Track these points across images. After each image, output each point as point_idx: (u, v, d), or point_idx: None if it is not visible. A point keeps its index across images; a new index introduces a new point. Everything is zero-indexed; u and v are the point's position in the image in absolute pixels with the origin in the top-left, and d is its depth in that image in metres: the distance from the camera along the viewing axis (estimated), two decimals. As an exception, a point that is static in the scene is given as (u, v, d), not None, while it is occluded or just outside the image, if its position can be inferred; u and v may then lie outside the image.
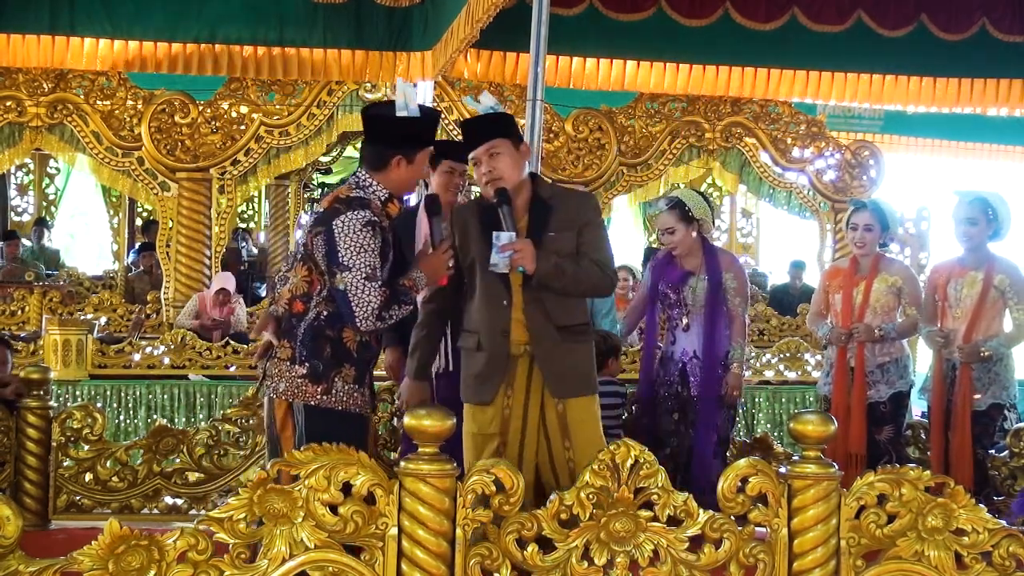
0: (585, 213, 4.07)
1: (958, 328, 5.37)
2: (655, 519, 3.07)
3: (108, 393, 7.63)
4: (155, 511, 5.38)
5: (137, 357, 7.84)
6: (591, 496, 3.04)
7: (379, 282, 3.66)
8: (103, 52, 8.60)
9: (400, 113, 3.77)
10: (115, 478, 5.37)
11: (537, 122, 6.06)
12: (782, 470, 3.15)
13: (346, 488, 2.98)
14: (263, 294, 11.41)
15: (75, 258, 15.85)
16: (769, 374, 8.38)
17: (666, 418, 5.41)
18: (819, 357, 8.08)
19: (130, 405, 7.65)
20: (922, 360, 6.54)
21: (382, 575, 2.98)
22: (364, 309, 3.64)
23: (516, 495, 3.01)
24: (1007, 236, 5.47)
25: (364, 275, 3.63)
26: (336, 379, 3.72)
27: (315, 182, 14.12)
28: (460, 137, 4.33)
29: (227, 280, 9.18)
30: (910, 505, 3.13)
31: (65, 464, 5.33)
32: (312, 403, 3.71)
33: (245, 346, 7.91)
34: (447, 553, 2.98)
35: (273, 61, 8.67)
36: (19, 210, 13.76)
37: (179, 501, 5.42)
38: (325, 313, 3.72)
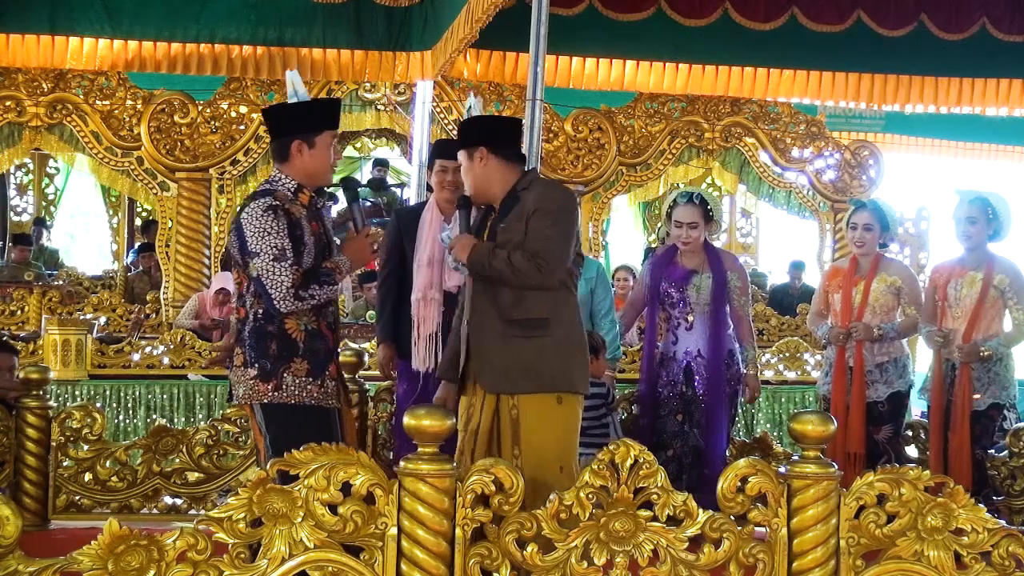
0: (538, 202, 3.98)
1: (958, 328, 5.37)
2: (655, 519, 3.07)
3: (107, 393, 7.62)
4: (155, 511, 5.39)
5: (136, 357, 7.83)
6: (591, 496, 3.05)
7: (289, 261, 3.68)
8: (103, 52, 8.59)
9: (291, 100, 3.87)
10: (114, 478, 5.37)
11: (537, 122, 6.06)
12: (782, 470, 3.15)
13: (345, 488, 2.98)
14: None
15: (75, 258, 15.84)
16: (769, 374, 8.36)
17: (670, 419, 5.40)
18: (819, 357, 8.07)
19: (129, 405, 7.64)
20: (922, 360, 6.54)
21: (382, 575, 2.98)
22: (278, 289, 3.67)
23: (516, 495, 3.01)
24: (1007, 236, 5.46)
25: (272, 256, 3.66)
26: (285, 374, 3.73)
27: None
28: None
29: (226, 280, 9.16)
30: (910, 505, 3.13)
31: (64, 464, 5.33)
32: (265, 401, 3.74)
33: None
34: (447, 553, 2.98)
35: (273, 61, 8.66)
36: (19, 210, 13.74)
37: (179, 501, 5.42)
38: (260, 310, 3.76)
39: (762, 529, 3.16)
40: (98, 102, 9.50)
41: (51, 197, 13.90)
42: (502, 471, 3.02)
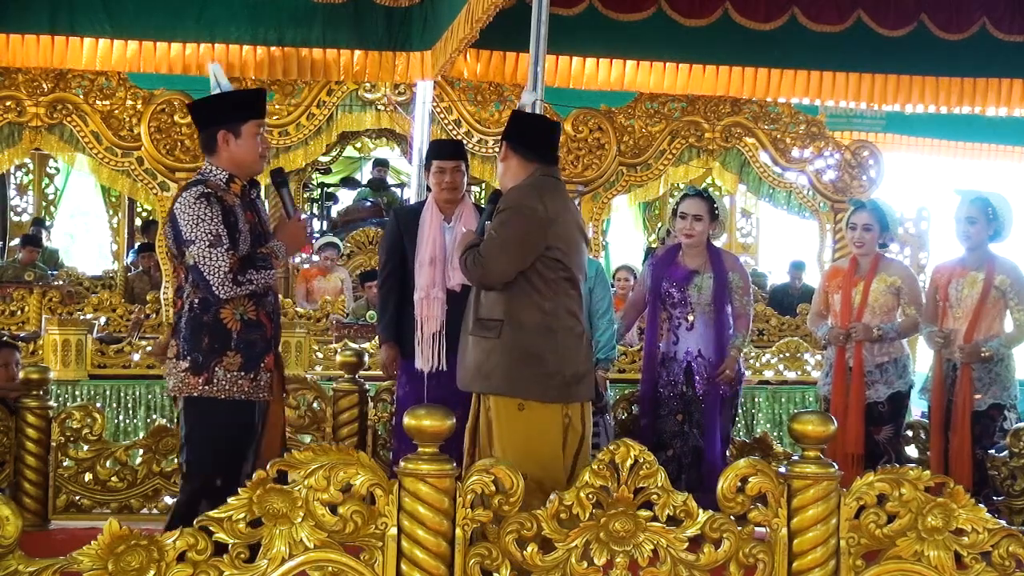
0: (503, 203, 4.06)
1: (959, 328, 5.37)
2: (655, 519, 3.07)
3: (107, 393, 7.62)
4: (155, 511, 5.39)
5: (136, 357, 7.83)
6: (591, 496, 3.04)
7: (225, 247, 3.69)
8: (103, 52, 8.57)
9: (214, 91, 3.92)
10: (114, 478, 5.37)
11: (537, 122, 6.04)
12: (782, 470, 3.15)
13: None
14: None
15: (75, 258, 15.85)
16: (769, 374, 8.37)
17: (670, 419, 5.40)
18: (819, 357, 8.07)
19: (129, 405, 7.64)
20: (922, 360, 6.54)
21: (382, 575, 2.98)
22: (216, 275, 3.67)
23: (516, 495, 3.01)
24: (1008, 236, 5.46)
25: (207, 243, 3.67)
26: (217, 368, 3.72)
27: (315, 182, 14.11)
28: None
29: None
30: (910, 505, 3.13)
31: (65, 464, 5.33)
32: (194, 395, 3.73)
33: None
34: (447, 553, 2.98)
35: (273, 61, 8.65)
36: (19, 210, 13.75)
37: (179, 501, 5.41)
38: (196, 300, 3.76)
39: (762, 529, 3.16)
40: (98, 102, 9.48)
41: (51, 197, 13.90)
42: (502, 471, 3.02)
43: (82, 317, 8.79)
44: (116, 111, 9.52)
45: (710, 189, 9.70)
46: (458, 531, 2.99)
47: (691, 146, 10.64)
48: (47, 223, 13.58)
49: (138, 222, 13.37)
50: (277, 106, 9.58)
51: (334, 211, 14.22)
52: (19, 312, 9.59)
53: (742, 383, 5.54)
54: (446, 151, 5.19)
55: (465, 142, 9.17)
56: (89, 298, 10.11)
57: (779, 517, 3.11)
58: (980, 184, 8.66)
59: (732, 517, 3.12)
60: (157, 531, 2.95)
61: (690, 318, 5.42)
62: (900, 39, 9.19)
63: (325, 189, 14.37)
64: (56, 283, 10.62)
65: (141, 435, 6.37)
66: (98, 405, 7.00)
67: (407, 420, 3.04)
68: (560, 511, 3.05)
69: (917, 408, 7.26)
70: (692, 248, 5.47)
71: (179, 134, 9.42)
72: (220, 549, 2.92)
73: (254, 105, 3.96)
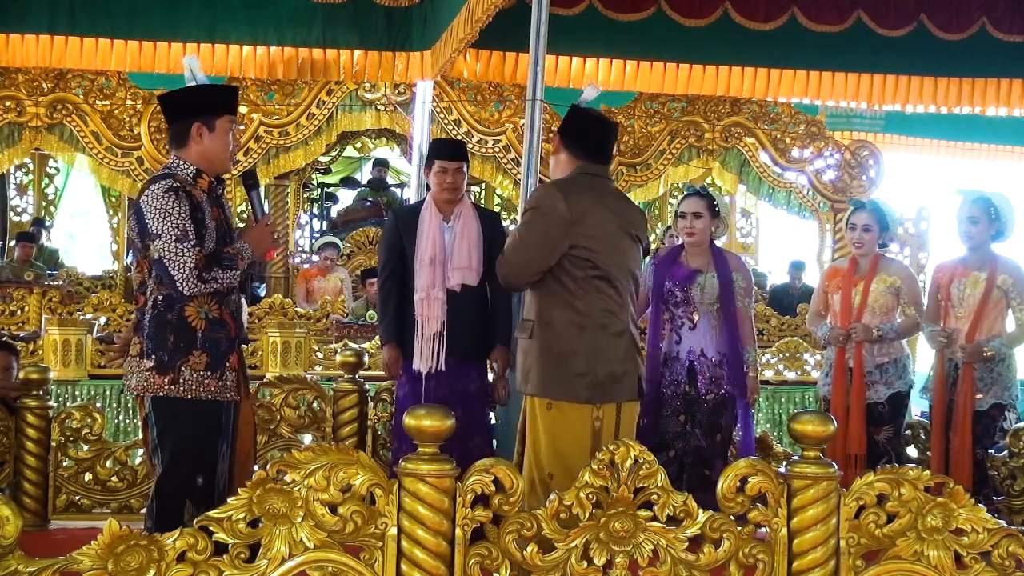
0: (526, 202, 4.15)
1: (961, 328, 5.37)
2: (654, 519, 3.07)
3: (107, 393, 7.63)
4: (155, 511, 5.38)
5: (137, 357, 7.83)
6: (591, 496, 3.04)
7: (191, 242, 3.64)
8: (103, 52, 8.58)
9: (189, 84, 3.90)
10: (114, 478, 5.37)
11: (537, 122, 6.06)
12: (782, 470, 3.15)
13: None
14: (263, 294, 11.42)
15: (75, 258, 15.85)
16: (769, 374, 8.37)
17: (672, 420, 5.39)
18: (819, 357, 8.08)
19: (129, 405, 7.64)
20: (923, 360, 6.54)
21: (382, 575, 2.98)
22: (181, 270, 3.63)
23: (516, 495, 3.01)
24: (1011, 236, 5.46)
25: (174, 237, 3.63)
26: (183, 368, 3.68)
27: (315, 182, 14.12)
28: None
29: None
30: (909, 505, 3.13)
31: (64, 464, 5.33)
32: (160, 394, 3.69)
33: (245, 346, 7.90)
34: (447, 553, 2.97)
35: (273, 61, 8.66)
36: (18, 210, 13.76)
37: (179, 501, 5.41)
38: (160, 297, 3.71)
39: (762, 529, 3.16)
40: (98, 102, 9.51)
41: (51, 197, 13.91)
42: (502, 471, 3.02)
43: (82, 317, 8.79)
44: (116, 111, 9.53)
45: (709, 188, 9.70)
46: (458, 531, 2.99)
47: (691, 146, 10.65)
48: (47, 223, 13.59)
49: (138, 222, 13.35)
50: (277, 106, 9.58)
51: (334, 211, 14.23)
52: (19, 312, 9.59)
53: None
54: (449, 151, 5.17)
55: (465, 142, 9.17)
56: (89, 298, 10.11)
57: (779, 517, 3.11)
58: (980, 184, 8.67)
59: (732, 517, 3.12)
60: (157, 531, 2.95)
61: (694, 317, 5.41)
62: (900, 39, 9.20)
63: (325, 189, 14.37)
64: (56, 283, 10.62)
65: (141, 435, 6.36)
66: (98, 405, 7.01)
67: (407, 420, 3.04)
68: (560, 511, 3.05)
69: (917, 408, 7.26)
70: (695, 247, 5.47)
71: (179, 134, 9.42)
72: (220, 549, 2.92)
73: (229, 102, 3.92)
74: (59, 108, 9.46)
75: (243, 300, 4.04)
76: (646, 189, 10.96)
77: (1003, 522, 3.23)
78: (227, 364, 3.77)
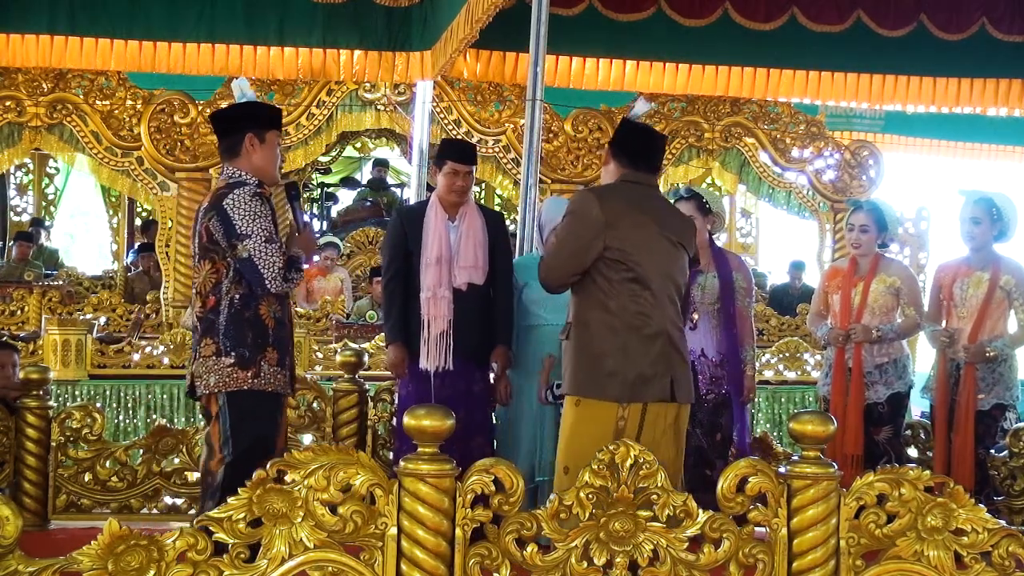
0: (567, 207, 4.19)
1: (963, 328, 5.36)
2: (654, 519, 3.07)
3: (107, 393, 7.62)
4: (154, 511, 5.38)
5: (136, 357, 7.84)
6: (591, 496, 3.05)
7: (277, 244, 3.90)
8: (103, 52, 8.58)
9: (240, 101, 4.11)
10: (114, 478, 5.37)
11: (537, 122, 6.07)
12: (782, 470, 3.15)
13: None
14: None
15: (75, 258, 15.85)
16: (768, 374, 8.37)
17: (672, 420, 5.39)
18: (818, 357, 8.07)
19: (129, 405, 7.64)
20: (923, 360, 6.53)
21: (382, 575, 2.98)
22: (271, 270, 3.86)
23: (516, 495, 3.01)
24: (1013, 237, 5.45)
25: (263, 239, 3.86)
26: (262, 363, 3.91)
27: (315, 182, 14.11)
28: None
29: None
30: (910, 505, 3.13)
31: (64, 464, 5.33)
32: (244, 388, 3.88)
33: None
34: (446, 553, 2.98)
35: (273, 61, 8.66)
36: (18, 210, 13.76)
37: (178, 501, 5.42)
38: (237, 296, 3.90)
39: (762, 529, 3.16)
40: (98, 102, 9.51)
41: (51, 197, 13.92)
42: (502, 471, 3.02)
43: (82, 317, 8.80)
44: (116, 111, 9.53)
45: (706, 188, 9.70)
46: (458, 531, 2.99)
47: (691, 146, 10.66)
48: (47, 223, 13.59)
49: (138, 222, 13.37)
50: (277, 106, 9.57)
51: (334, 211, 14.22)
52: (19, 312, 9.60)
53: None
54: (463, 154, 5.11)
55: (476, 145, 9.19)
56: (89, 298, 10.12)
57: (779, 517, 3.11)
58: (981, 184, 8.68)
59: (732, 517, 3.12)
60: (157, 531, 2.95)
61: (694, 317, 5.40)
62: (900, 39, 9.21)
63: (325, 189, 14.37)
64: (56, 283, 10.62)
65: (141, 435, 6.37)
66: (98, 405, 6.99)
67: (407, 420, 3.04)
68: (560, 511, 3.05)
69: (918, 408, 7.25)
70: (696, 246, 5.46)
71: (179, 134, 9.44)
72: (220, 549, 2.92)
73: (276, 118, 4.19)
74: (59, 108, 9.46)
75: None
76: (646, 189, 10.94)
77: (1003, 522, 3.23)
78: (287, 362, 4.02)
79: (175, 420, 7.48)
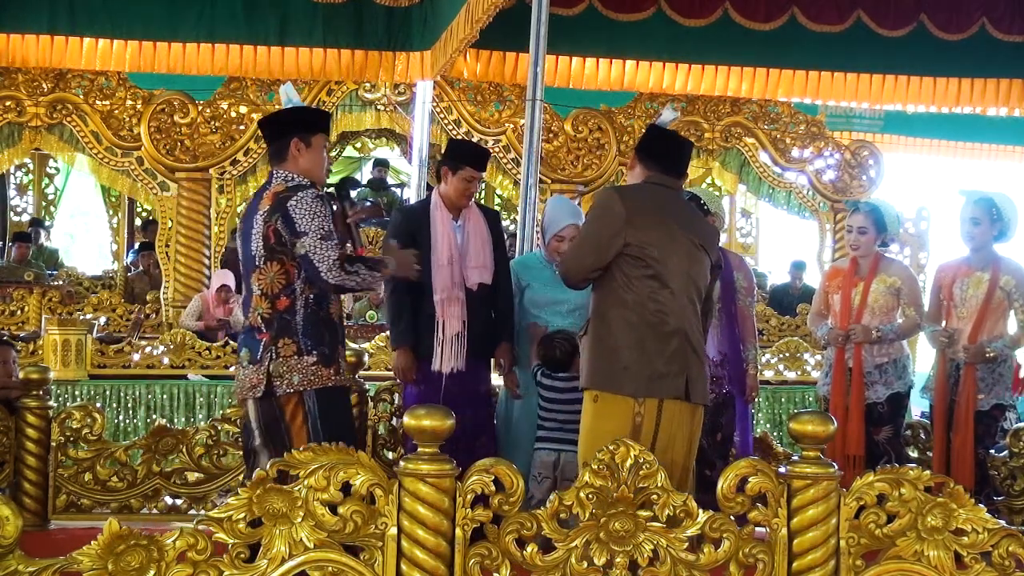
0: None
1: (963, 328, 5.36)
2: (654, 519, 3.07)
3: (107, 393, 7.62)
4: (154, 511, 5.38)
5: (136, 357, 7.84)
6: (591, 496, 3.05)
7: (335, 241, 3.97)
8: (103, 52, 8.59)
9: (286, 107, 4.22)
10: (114, 478, 5.37)
11: (537, 122, 6.07)
12: (782, 470, 3.15)
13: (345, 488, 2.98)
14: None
15: (75, 258, 15.84)
16: (769, 374, 8.37)
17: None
18: (819, 357, 8.08)
19: (129, 405, 7.64)
20: (923, 360, 6.53)
21: (382, 575, 2.98)
22: (325, 262, 3.93)
23: (516, 495, 3.01)
24: (1013, 237, 5.45)
25: (320, 235, 3.94)
26: (340, 360, 4.09)
27: (315, 182, 14.09)
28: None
29: (226, 276, 9.17)
30: (910, 505, 3.13)
31: (64, 464, 5.33)
32: (329, 384, 4.00)
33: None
34: (447, 553, 2.98)
35: (273, 61, 8.66)
36: (18, 210, 13.76)
37: (178, 501, 5.42)
38: (311, 296, 4.02)
39: (762, 529, 3.16)
40: (98, 102, 9.51)
41: (51, 197, 13.91)
42: (502, 471, 3.02)
43: (82, 317, 8.79)
44: (116, 111, 9.54)
45: (706, 189, 9.71)
46: (458, 531, 2.99)
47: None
48: (47, 223, 13.58)
49: (138, 222, 13.36)
50: (277, 106, 9.57)
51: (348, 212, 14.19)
52: (19, 312, 9.60)
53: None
54: (481, 161, 5.10)
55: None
56: (89, 298, 10.12)
57: (779, 517, 3.11)
58: (981, 184, 8.68)
59: (732, 517, 3.12)
60: (157, 531, 2.95)
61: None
62: (900, 39, 9.21)
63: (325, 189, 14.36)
64: (56, 283, 10.62)
65: (141, 435, 6.36)
66: (98, 405, 6.99)
67: (407, 420, 3.04)
68: (560, 511, 3.05)
69: (918, 408, 7.25)
70: None
71: (179, 134, 9.45)
72: (219, 550, 2.92)
73: (323, 122, 4.27)
74: (59, 108, 9.47)
75: None
76: (646, 189, 10.94)
77: (1003, 522, 3.23)
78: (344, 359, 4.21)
79: (175, 420, 7.48)
